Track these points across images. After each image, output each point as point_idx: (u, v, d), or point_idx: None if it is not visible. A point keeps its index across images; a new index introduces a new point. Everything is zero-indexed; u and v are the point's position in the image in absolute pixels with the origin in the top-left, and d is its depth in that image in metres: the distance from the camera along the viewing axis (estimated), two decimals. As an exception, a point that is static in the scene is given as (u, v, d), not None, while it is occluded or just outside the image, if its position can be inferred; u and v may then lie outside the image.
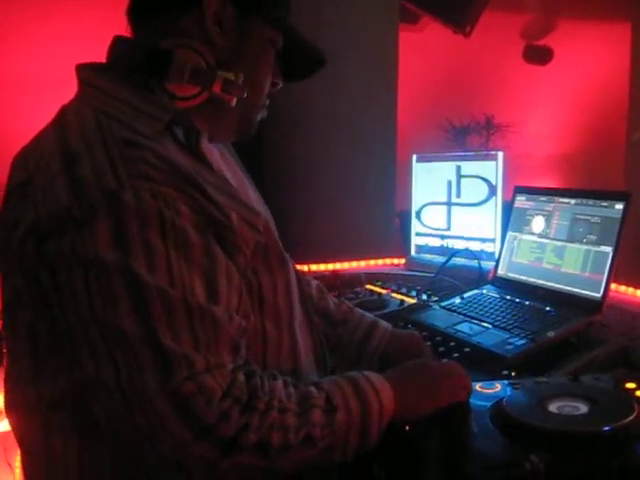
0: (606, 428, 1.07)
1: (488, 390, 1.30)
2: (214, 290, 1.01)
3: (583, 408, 1.15)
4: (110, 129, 1.02)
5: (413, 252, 2.77)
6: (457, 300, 1.96)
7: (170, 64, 1.11)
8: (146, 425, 0.93)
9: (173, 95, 1.13)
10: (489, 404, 1.23)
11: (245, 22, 1.18)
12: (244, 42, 1.19)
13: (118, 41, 1.18)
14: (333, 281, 2.26)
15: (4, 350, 1.15)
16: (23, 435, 1.15)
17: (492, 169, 2.45)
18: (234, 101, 1.19)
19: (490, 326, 1.72)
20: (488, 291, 2.00)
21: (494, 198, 2.44)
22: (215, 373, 0.96)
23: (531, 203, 2.03)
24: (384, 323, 1.56)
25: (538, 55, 7.90)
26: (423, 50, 6.22)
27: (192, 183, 1.02)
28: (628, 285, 2.16)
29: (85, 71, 1.16)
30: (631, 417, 1.09)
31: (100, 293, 0.94)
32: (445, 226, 2.64)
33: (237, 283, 1.06)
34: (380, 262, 2.88)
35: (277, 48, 1.25)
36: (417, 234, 2.76)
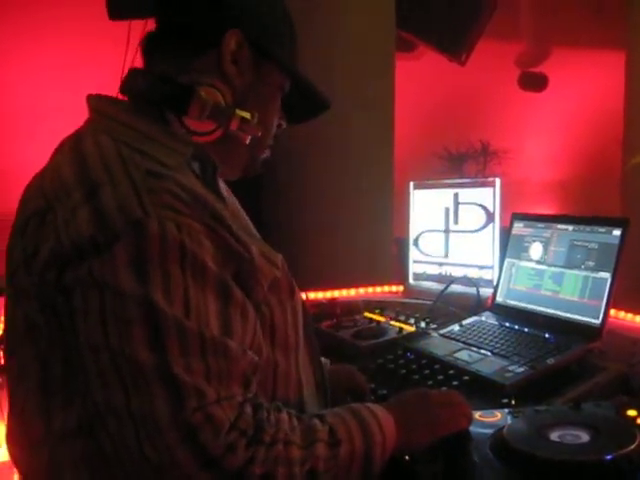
0: (608, 457, 1.06)
1: (488, 419, 1.29)
2: (229, 325, 1.00)
3: (584, 436, 1.14)
4: (133, 159, 1.03)
5: (411, 279, 2.77)
6: (456, 327, 1.95)
7: (191, 100, 1.13)
8: (154, 455, 0.92)
9: (189, 130, 1.15)
10: (489, 433, 1.22)
11: (259, 63, 1.21)
12: (257, 83, 1.22)
13: (133, 73, 1.20)
14: (331, 309, 2.26)
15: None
16: (28, 470, 1.13)
17: (489, 196, 2.45)
18: (248, 139, 1.21)
19: (489, 353, 1.71)
20: (487, 318, 2.00)
21: (492, 225, 2.44)
22: (224, 405, 0.95)
23: (529, 230, 2.03)
24: (322, 359, 1.55)
25: (533, 82, 7.96)
26: (419, 78, 6.27)
27: (216, 217, 1.03)
28: (627, 311, 2.15)
29: (98, 101, 1.17)
30: (633, 445, 1.08)
31: (115, 319, 0.94)
32: (443, 253, 2.64)
33: (252, 320, 1.06)
34: (378, 290, 2.87)
35: (285, 91, 1.28)
36: (415, 261, 2.76)
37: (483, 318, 2.00)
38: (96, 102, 1.17)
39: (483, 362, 1.66)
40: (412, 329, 2.03)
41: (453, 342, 1.84)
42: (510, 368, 1.60)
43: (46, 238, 0.99)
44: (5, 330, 1.12)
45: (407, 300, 2.61)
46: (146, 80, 1.17)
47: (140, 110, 1.14)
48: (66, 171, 1.05)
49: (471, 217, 2.51)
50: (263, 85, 1.23)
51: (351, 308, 2.28)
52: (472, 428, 1.22)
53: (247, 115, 1.19)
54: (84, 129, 1.14)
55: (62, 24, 5.30)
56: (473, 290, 2.33)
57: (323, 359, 1.55)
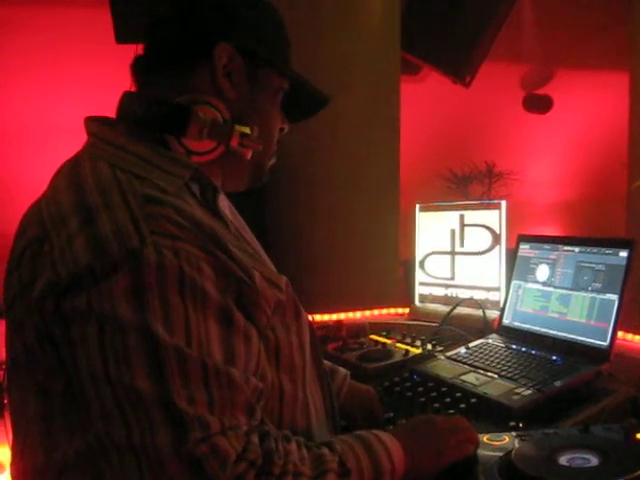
0: (618, 481, 1.05)
1: (496, 442, 1.28)
2: (231, 352, 0.99)
3: (594, 460, 1.13)
4: (131, 185, 1.01)
5: (417, 301, 2.76)
6: (462, 350, 1.94)
7: (188, 121, 1.11)
8: None
9: (189, 150, 1.13)
10: (497, 456, 1.21)
11: (253, 72, 1.20)
12: (254, 92, 1.21)
13: (128, 96, 1.18)
14: (337, 331, 2.25)
15: (4, 401, 1.12)
16: None
17: (495, 218, 2.45)
18: (250, 154, 1.20)
19: (496, 376, 1.70)
20: (493, 340, 1.99)
21: (498, 247, 2.44)
22: (230, 435, 0.93)
23: (535, 251, 2.02)
24: (342, 370, 1.56)
25: (538, 104, 7.98)
26: (424, 100, 6.29)
27: (216, 242, 1.01)
28: (635, 333, 2.14)
29: (95, 124, 1.16)
30: (643, 469, 1.07)
31: (114, 350, 0.92)
32: (449, 275, 2.63)
33: (255, 345, 1.05)
34: (384, 312, 2.86)
35: (284, 92, 1.27)
36: (421, 283, 2.75)
37: (490, 340, 1.99)
38: (93, 125, 1.16)
39: (490, 385, 1.65)
40: (418, 351, 2.02)
41: (460, 364, 1.83)
42: (517, 391, 1.59)
43: (42, 268, 0.98)
44: (6, 358, 1.10)
45: (413, 322, 2.60)
46: (141, 103, 1.15)
47: (137, 133, 1.12)
48: (63, 198, 1.04)
49: (477, 239, 2.51)
50: (261, 93, 1.22)
51: (357, 330, 2.27)
52: (480, 451, 1.21)
53: (247, 130, 1.18)
54: (81, 154, 1.13)
55: (70, 44, 5.34)
56: (479, 312, 2.32)
57: (344, 370, 1.55)
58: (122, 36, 3.26)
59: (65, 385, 0.99)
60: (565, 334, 1.83)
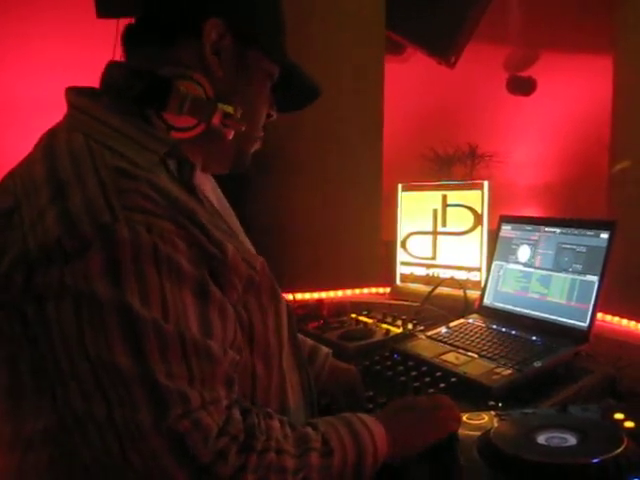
0: (595, 460, 1.05)
1: (475, 421, 1.28)
2: (208, 324, 0.98)
3: (571, 439, 1.14)
4: (103, 158, 0.99)
5: (398, 281, 2.77)
6: (443, 330, 1.94)
7: (170, 94, 1.09)
8: (140, 464, 0.90)
9: (169, 125, 1.11)
10: (476, 435, 1.21)
11: (243, 53, 1.18)
12: (242, 73, 1.18)
13: (112, 66, 1.16)
14: (318, 310, 2.25)
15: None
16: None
17: (478, 198, 2.45)
18: (231, 134, 1.19)
19: (476, 356, 1.71)
20: (474, 320, 1.99)
21: (480, 227, 2.45)
22: (211, 409, 0.93)
23: (516, 232, 2.03)
24: (324, 349, 1.56)
25: (522, 86, 7.98)
26: (408, 80, 6.27)
27: (188, 216, 1.00)
28: (614, 314, 2.16)
29: (75, 95, 1.14)
30: (620, 449, 1.08)
31: (92, 327, 0.91)
32: (430, 255, 2.64)
33: (231, 317, 1.04)
34: (366, 291, 2.87)
35: (273, 80, 1.24)
36: (402, 263, 2.76)
37: (470, 320, 2.00)
38: (72, 96, 1.14)
39: (470, 364, 1.66)
40: (399, 331, 2.02)
41: (440, 344, 1.83)
42: (497, 370, 1.59)
43: (12, 241, 0.96)
44: None
45: (394, 302, 2.61)
46: (122, 73, 1.13)
47: (117, 105, 1.10)
48: (36, 168, 1.02)
49: (459, 219, 2.51)
50: (249, 74, 1.19)
51: (338, 310, 2.27)
52: (459, 430, 1.22)
53: (230, 109, 1.15)
54: (59, 125, 1.11)
55: (61, 23, 5.27)
56: (460, 292, 2.33)
57: (325, 349, 1.55)
58: (102, 11, 3.19)
59: (35, 362, 0.98)
60: (545, 315, 1.84)
